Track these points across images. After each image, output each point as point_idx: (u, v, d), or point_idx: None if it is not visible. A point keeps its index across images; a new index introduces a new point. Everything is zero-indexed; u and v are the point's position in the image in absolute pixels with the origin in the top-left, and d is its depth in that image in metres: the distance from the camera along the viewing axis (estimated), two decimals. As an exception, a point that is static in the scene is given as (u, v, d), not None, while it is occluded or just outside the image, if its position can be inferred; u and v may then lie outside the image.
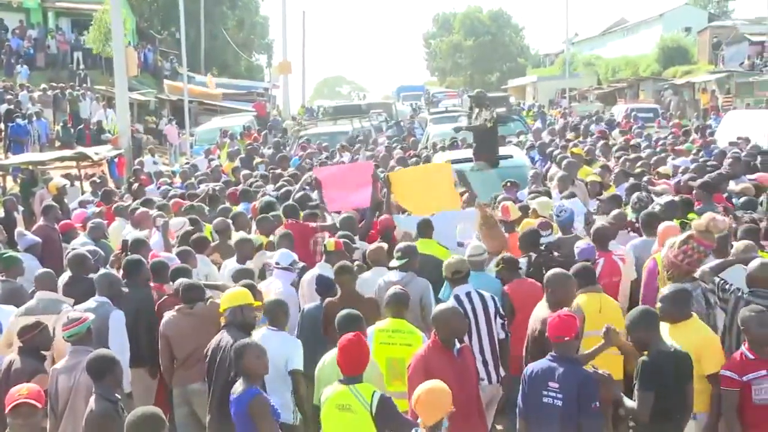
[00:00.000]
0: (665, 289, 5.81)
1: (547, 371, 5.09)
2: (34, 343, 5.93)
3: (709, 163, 11.97)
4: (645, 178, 11.09)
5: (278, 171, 14.48)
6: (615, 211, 8.63)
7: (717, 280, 6.06)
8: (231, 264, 8.23)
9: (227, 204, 11.28)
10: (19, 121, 23.55)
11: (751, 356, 5.23)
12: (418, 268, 7.28)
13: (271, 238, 8.83)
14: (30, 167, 17.89)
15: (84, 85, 32.32)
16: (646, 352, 5.11)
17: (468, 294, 6.51)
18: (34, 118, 24.59)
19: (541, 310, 6.12)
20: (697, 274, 6.19)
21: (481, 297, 6.52)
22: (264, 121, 31.98)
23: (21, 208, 14.17)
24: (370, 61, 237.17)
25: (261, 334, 6.04)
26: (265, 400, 5.13)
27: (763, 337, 5.20)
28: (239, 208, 10.90)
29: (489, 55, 77.97)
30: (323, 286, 7.02)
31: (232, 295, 6.15)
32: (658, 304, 5.63)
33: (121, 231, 10.39)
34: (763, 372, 5.16)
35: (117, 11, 22.43)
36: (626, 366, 6.27)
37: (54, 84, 30.11)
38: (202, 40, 46.65)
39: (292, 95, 45.15)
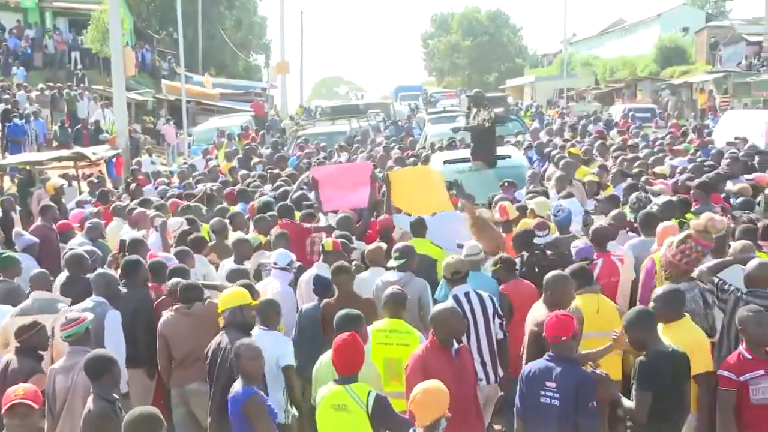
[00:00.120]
0: (659, 290, 5.83)
1: (545, 371, 5.09)
2: (32, 343, 5.93)
3: (706, 163, 11.97)
4: (642, 178, 11.09)
5: (276, 171, 14.47)
6: (614, 212, 8.63)
7: (716, 280, 6.06)
8: (229, 264, 8.21)
9: (225, 204, 11.28)
10: (16, 121, 23.53)
11: (749, 356, 5.23)
12: (416, 268, 7.29)
13: (268, 237, 8.83)
14: (27, 167, 17.87)
15: (81, 84, 32.30)
16: (643, 352, 5.11)
17: (467, 294, 6.51)
18: (32, 118, 24.58)
19: (538, 311, 6.12)
20: (695, 274, 6.19)
21: (480, 297, 6.52)
22: (262, 121, 31.97)
23: (18, 208, 14.16)
24: (368, 61, 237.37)
25: (254, 334, 6.03)
26: (260, 400, 5.13)
27: (761, 337, 5.21)
28: (237, 208, 10.89)
29: (487, 55, 78.01)
30: (320, 286, 7.02)
31: (232, 295, 6.13)
32: (651, 304, 5.64)
33: (118, 231, 10.38)
34: (761, 372, 5.16)
35: (115, 11, 22.41)
36: (624, 366, 6.29)
37: (51, 84, 30.09)
38: (200, 40, 46.64)
39: (290, 95, 45.35)
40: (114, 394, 5.15)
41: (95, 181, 15.69)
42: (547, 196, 9.88)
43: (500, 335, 6.52)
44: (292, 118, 34.29)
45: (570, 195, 9.73)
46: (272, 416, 5.21)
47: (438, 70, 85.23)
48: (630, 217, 8.78)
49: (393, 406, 5.01)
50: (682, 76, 41.65)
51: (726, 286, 6.00)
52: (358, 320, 5.72)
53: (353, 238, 8.66)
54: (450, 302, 6.16)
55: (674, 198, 9.00)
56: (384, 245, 7.92)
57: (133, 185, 14.67)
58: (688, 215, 8.19)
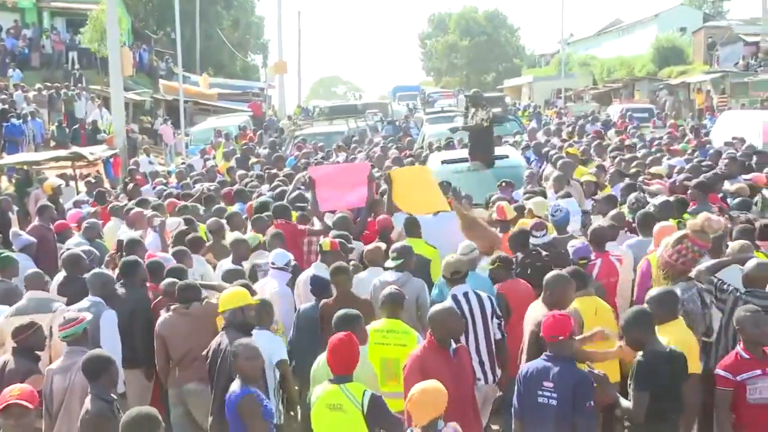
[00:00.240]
0: (653, 291, 5.85)
1: (542, 371, 5.09)
2: (28, 343, 5.92)
3: (704, 164, 11.99)
4: (640, 178, 11.11)
5: (274, 171, 14.47)
6: (614, 212, 8.63)
7: (715, 280, 6.08)
8: (226, 264, 8.19)
9: (222, 204, 11.27)
10: (14, 120, 23.53)
11: (746, 356, 5.25)
12: (413, 268, 7.28)
13: (265, 237, 8.82)
14: (25, 167, 17.86)
15: (79, 84, 32.28)
16: (641, 353, 5.12)
17: (465, 294, 6.49)
18: (29, 118, 24.58)
19: (537, 311, 6.12)
20: (692, 274, 6.20)
21: (479, 297, 6.51)
22: (260, 121, 31.98)
23: (16, 208, 14.15)
24: (366, 61, 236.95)
25: None
26: (255, 401, 5.11)
27: (758, 336, 5.22)
28: (234, 208, 10.90)
29: (484, 55, 78.04)
30: (318, 286, 7.00)
31: (232, 295, 6.10)
32: (645, 305, 5.65)
33: (116, 231, 10.38)
34: (758, 372, 5.18)
35: (112, 11, 22.41)
36: (622, 367, 6.28)
37: (49, 84, 30.09)
38: (198, 40, 46.56)
39: (288, 95, 45.38)
40: (112, 394, 5.15)
41: (93, 181, 15.68)
42: (545, 196, 9.89)
43: (498, 335, 6.51)
44: (289, 118, 34.25)
45: (568, 195, 9.73)
46: (268, 417, 5.19)
47: (436, 70, 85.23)
48: (628, 217, 8.79)
49: (388, 406, 5.01)
50: (680, 77, 41.67)
51: (725, 286, 6.02)
52: (357, 320, 5.70)
53: (351, 238, 8.65)
54: (449, 302, 6.16)
55: (671, 198, 9.00)
56: (383, 245, 7.91)
57: (131, 185, 14.67)
58: (686, 215, 8.19)
